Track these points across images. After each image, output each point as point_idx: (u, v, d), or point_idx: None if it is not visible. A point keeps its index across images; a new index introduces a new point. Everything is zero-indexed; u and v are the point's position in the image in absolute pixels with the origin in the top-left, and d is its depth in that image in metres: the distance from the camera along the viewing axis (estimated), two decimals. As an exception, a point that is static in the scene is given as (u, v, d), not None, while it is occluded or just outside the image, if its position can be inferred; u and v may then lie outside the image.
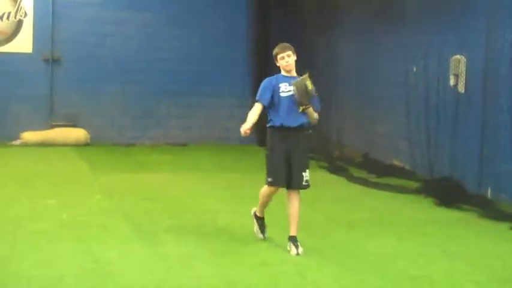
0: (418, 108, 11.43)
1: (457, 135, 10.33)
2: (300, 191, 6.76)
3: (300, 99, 6.58)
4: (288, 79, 6.73)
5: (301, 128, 6.71)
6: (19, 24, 15.38)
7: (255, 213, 7.13)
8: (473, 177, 9.78)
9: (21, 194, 9.26)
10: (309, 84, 6.58)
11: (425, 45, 11.21)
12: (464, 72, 10.19)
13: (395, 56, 12.35)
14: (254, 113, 6.71)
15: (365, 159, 13.35)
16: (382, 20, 12.51)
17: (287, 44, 6.84)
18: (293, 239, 6.65)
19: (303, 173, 6.70)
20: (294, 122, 6.67)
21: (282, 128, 6.68)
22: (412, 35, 11.58)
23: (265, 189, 6.87)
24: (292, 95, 6.62)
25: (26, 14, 15.38)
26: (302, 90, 6.57)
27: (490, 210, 8.77)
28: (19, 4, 15.34)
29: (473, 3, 10.07)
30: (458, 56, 10.30)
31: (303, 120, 6.70)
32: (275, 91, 6.70)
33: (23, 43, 15.43)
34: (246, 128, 6.55)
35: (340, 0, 13.84)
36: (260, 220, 7.11)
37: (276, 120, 6.70)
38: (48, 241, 6.76)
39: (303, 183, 6.71)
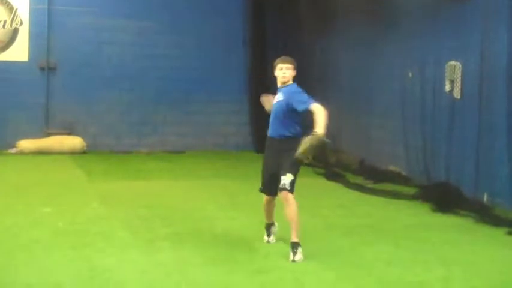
0: (414, 114, 11.46)
1: (453, 140, 10.36)
2: (294, 196, 6.63)
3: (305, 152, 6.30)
4: (279, 90, 6.88)
5: (285, 138, 6.74)
6: (15, 32, 15.37)
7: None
8: (470, 182, 9.80)
9: (17, 202, 9.23)
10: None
11: (421, 51, 11.25)
12: (460, 78, 10.22)
13: (392, 62, 12.38)
14: None
15: (361, 165, 13.36)
16: (378, 25, 12.55)
17: (290, 58, 6.93)
18: (291, 245, 6.55)
19: (282, 177, 6.59)
20: (275, 132, 6.83)
21: (269, 138, 6.92)
22: (408, 40, 11.62)
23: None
24: (277, 103, 6.78)
25: (21, 23, 15.38)
26: (312, 148, 6.29)
27: (487, 216, 8.78)
28: (15, 12, 15.33)
29: (468, 9, 10.10)
30: (453, 62, 10.33)
31: (283, 132, 6.76)
32: None
33: (19, 51, 15.42)
34: None
35: (336, 6, 13.88)
36: (267, 225, 7.24)
37: (267, 130, 6.94)
38: (45, 249, 6.74)
39: (280, 186, 6.62)
